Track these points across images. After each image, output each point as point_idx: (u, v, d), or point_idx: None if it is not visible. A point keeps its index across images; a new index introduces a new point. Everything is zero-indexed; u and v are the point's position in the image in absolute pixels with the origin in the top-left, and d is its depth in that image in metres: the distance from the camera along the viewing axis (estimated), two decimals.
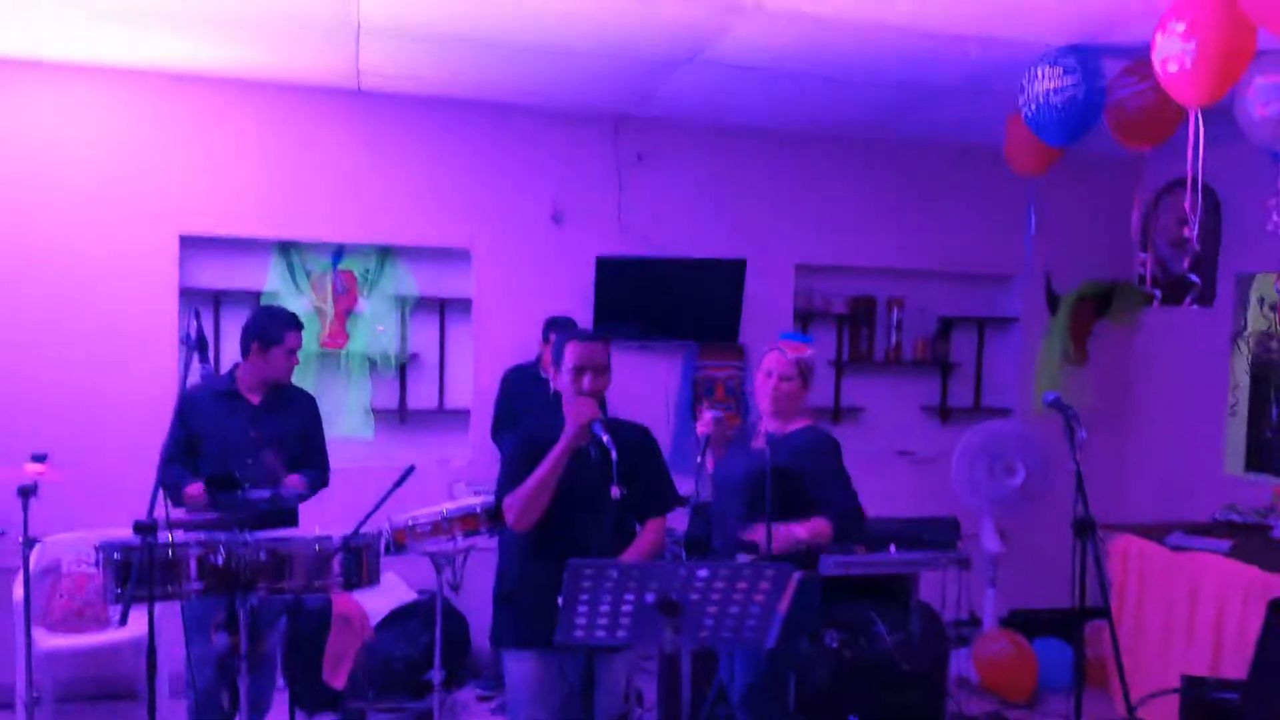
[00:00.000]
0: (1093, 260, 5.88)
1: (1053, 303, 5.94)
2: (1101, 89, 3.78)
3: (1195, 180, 3.29)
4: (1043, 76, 3.79)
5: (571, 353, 2.84)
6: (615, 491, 2.64)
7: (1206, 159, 3.26)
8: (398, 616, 4.49)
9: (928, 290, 5.84)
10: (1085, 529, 3.04)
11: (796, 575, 2.42)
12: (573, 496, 2.78)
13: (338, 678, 4.32)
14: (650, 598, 2.37)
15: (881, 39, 3.85)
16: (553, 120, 5.07)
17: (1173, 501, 5.52)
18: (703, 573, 2.36)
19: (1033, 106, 3.86)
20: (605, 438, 2.69)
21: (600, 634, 2.45)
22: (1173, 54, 3.18)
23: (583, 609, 2.40)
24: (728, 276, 5.19)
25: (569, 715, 2.87)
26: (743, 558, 2.87)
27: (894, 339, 5.74)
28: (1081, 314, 5.98)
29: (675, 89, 4.64)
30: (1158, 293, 5.59)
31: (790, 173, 5.45)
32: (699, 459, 3.18)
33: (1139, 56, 3.72)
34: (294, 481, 3.46)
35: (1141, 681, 4.33)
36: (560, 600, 2.35)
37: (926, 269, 5.76)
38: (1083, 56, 3.73)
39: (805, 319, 5.57)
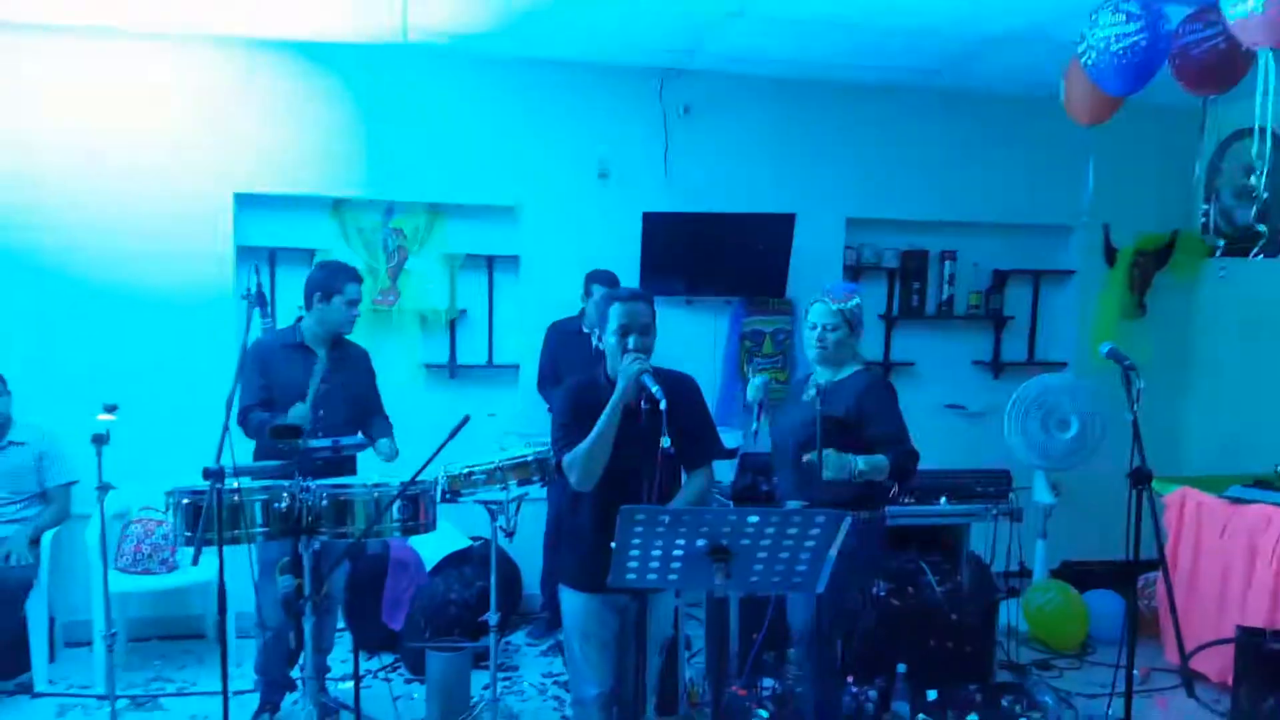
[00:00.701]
0: (1152, 211, 5.75)
1: (1110, 255, 5.83)
2: (1166, 35, 3.66)
3: (1264, 128, 3.20)
4: (1104, 23, 3.69)
5: (616, 313, 2.86)
6: (665, 443, 2.67)
7: (1275, 105, 3.17)
8: (452, 562, 4.61)
9: (981, 243, 5.75)
10: (1141, 479, 3.02)
11: (848, 519, 2.45)
12: (624, 448, 2.82)
13: (396, 619, 4.48)
14: (701, 543, 2.42)
15: None
16: (600, 75, 5.05)
17: (1231, 455, 5.42)
18: (753, 518, 2.40)
19: (1093, 55, 3.75)
20: (655, 389, 2.71)
21: (651, 578, 2.50)
22: (1240, 1, 3.08)
23: (634, 554, 2.45)
24: (776, 231, 5.15)
25: (620, 646, 2.95)
26: (792, 505, 2.89)
27: (946, 292, 5.67)
28: (1140, 266, 5.87)
29: (723, 41, 4.59)
30: (1221, 243, 5.45)
31: (840, 124, 5.38)
32: (754, 425, 3.23)
33: (1204, 3, 3.61)
34: (384, 447, 3.64)
35: (1196, 634, 4.31)
36: (613, 545, 2.41)
37: (980, 221, 5.66)
38: (1146, 2, 3.62)
39: (855, 272, 5.53)
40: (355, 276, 3.74)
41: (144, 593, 4.44)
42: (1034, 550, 5.14)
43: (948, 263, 5.67)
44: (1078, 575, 5.21)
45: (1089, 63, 3.80)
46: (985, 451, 5.19)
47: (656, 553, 2.45)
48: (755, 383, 3.31)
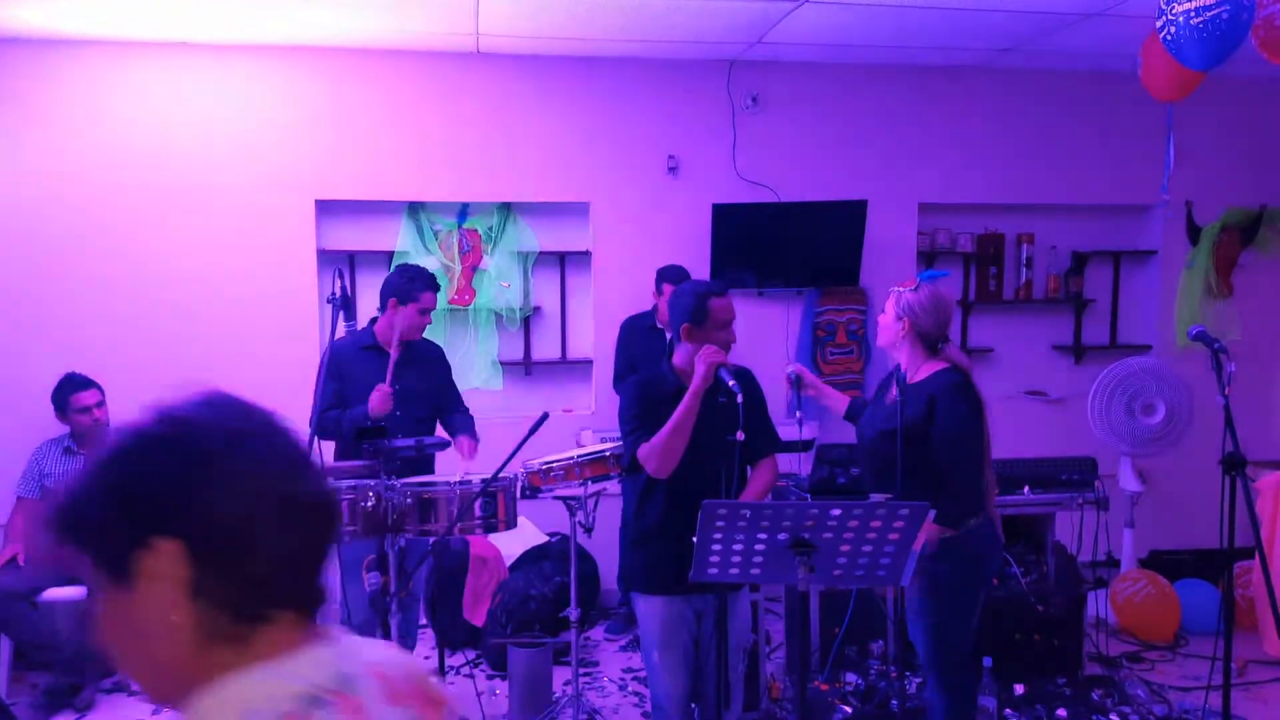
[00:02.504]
0: (1235, 188, 5.57)
1: (1194, 233, 5.64)
2: (1249, 6, 3.53)
3: None
4: None
5: (715, 308, 2.86)
6: (740, 436, 2.67)
7: None
8: (531, 557, 4.67)
9: (1059, 225, 5.62)
10: (1235, 465, 2.90)
11: (932, 511, 2.42)
12: (698, 441, 2.82)
13: (477, 615, 4.54)
14: (783, 537, 2.42)
15: None
16: (666, 70, 5.07)
17: None
18: (836, 511, 2.38)
19: (1172, 29, 3.63)
20: (732, 383, 2.72)
21: (734, 572, 2.51)
22: None
23: (716, 548, 2.46)
24: (848, 218, 5.10)
25: (699, 654, 2.94)
26: (876, 497, 2.85)
27: (1024, 276, 5.55)
28: (1225, 244, 5.68)
29: (788, 30, 4.55)
30: None
31: (911, 108, 5.31)
32: (797, 413, 3.16)
33: None
34: (464, 445, 3.68)
35: None
36: (694, 540, 2.41)
37: (1057, 203, 5.54)
38: None
39: (930, 258, 5.44)
40: (432, 285, 3.76)
41: None
42: (1121, 539, 5.01)
43: (1025, 246, 5.54)
44: (1167, 565, 5.07)
45: (1169, 37, 3.67)
46: (1068, 439, 5.08)
47: (738, 547, 2.45)
48: (786, 374, 3.18)
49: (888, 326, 3.06)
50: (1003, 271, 5.56)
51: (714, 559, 2.47)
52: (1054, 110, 5.43)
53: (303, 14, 4.29)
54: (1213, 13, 3.51)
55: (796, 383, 3.14)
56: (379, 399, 3.47)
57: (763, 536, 2.42)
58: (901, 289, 3.03)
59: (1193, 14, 3.54)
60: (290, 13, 4.26)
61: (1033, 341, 5.65)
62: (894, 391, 2.95)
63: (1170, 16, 3.61)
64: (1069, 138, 5.45)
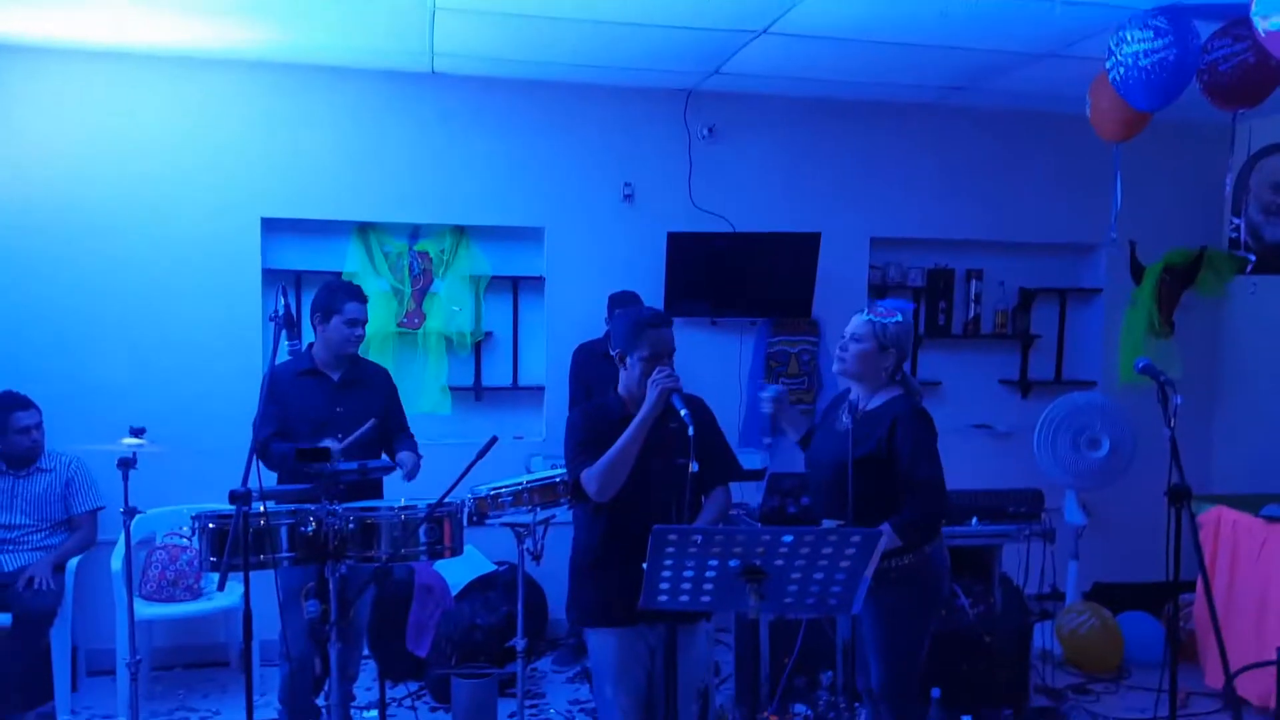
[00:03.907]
0: (1177, 228, 5.70)
1: (1137, 272, 5.76)
2: (1195, 50, 3.64)
3: None
4: (1132, 39, 3.66)
5: (649, 340, 2.82)
6: (693, 465, 2.62)
7: None
8: (477, 586, 4.57)
9: (1007, 262, 5.72)
10: (1180, 496, 2.93)
11: (884, 538, 2.40)
12: (648, 469, 2.78)
13: (421, 646, 4.42)
14: (734, 563, 2.38)
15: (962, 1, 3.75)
16: (623, 97, 5.08)
17: (1263, 474, 5.34)
18: (788, 538, 2.35)
19: (1121, 70, 3.73)
20: (683, 411, 2.68)
21: (684, 599, 2.46)
22: (1275, 12, 3.05)
23: (666, 574, 2.41)
24: (801, 250, 5.13)
25: (653, 692, 2.88)
26: (828, 523, 2.84)
27: (973, 311, 5.63)
28: (1167, 284, 5.80)
29: (746, 61, 4.59)
30: (1253, 257, 5.38)
31: (864, 144, 5.38)
32: (767, 440, 3.15)
33: (1232, 16, 3.58)
34: (406, 461, 3.57)
35: (1234, 656, 4.16)
36: (644, 566, 2.37)
37: (1006, 240, 5.63)
38: (1174, 17, 3.60)
39: (881, 292, 5.49)
40: (356, 295, 3.67)
41: (168, 620, 4.42)
42: (1066, 572, 5.06)
43: (974, 281, 5.63)
44: (1110, 597, 5.12)
45: (1117, 78, 3.77)
46: (1014, 472, 5.10)
47: (689, 574, 2.41)
48: (766, 394, 3.17)
49: (868, 356, 3.00)
50: (952, 306, 5.64)
51: (664, 585, 2.42)
52: (1004, 149, 5.54)
53: (255, 26, 4.22)
54: (1160, 55, 3.61)
55: (778, 404, 3.10)
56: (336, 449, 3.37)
57: (713, 563, 2.38)
58: (879, 319, 3.01)
59: (1141, 56, 3.64)
60: (241, 24, 4.19)
61: (980, 376, 5.72)
62: (845, 419, 2.94)
63: (1119, 58, 3.71)
64: (1018, 176, 5.56)
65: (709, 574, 2.40)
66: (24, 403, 4.22)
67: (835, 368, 3.11)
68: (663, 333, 2.84)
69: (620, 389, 2.90)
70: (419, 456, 3.70)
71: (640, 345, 2.82)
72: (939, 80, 4.94)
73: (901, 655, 2.95)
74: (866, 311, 3.06)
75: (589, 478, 2.80)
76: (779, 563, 2.38)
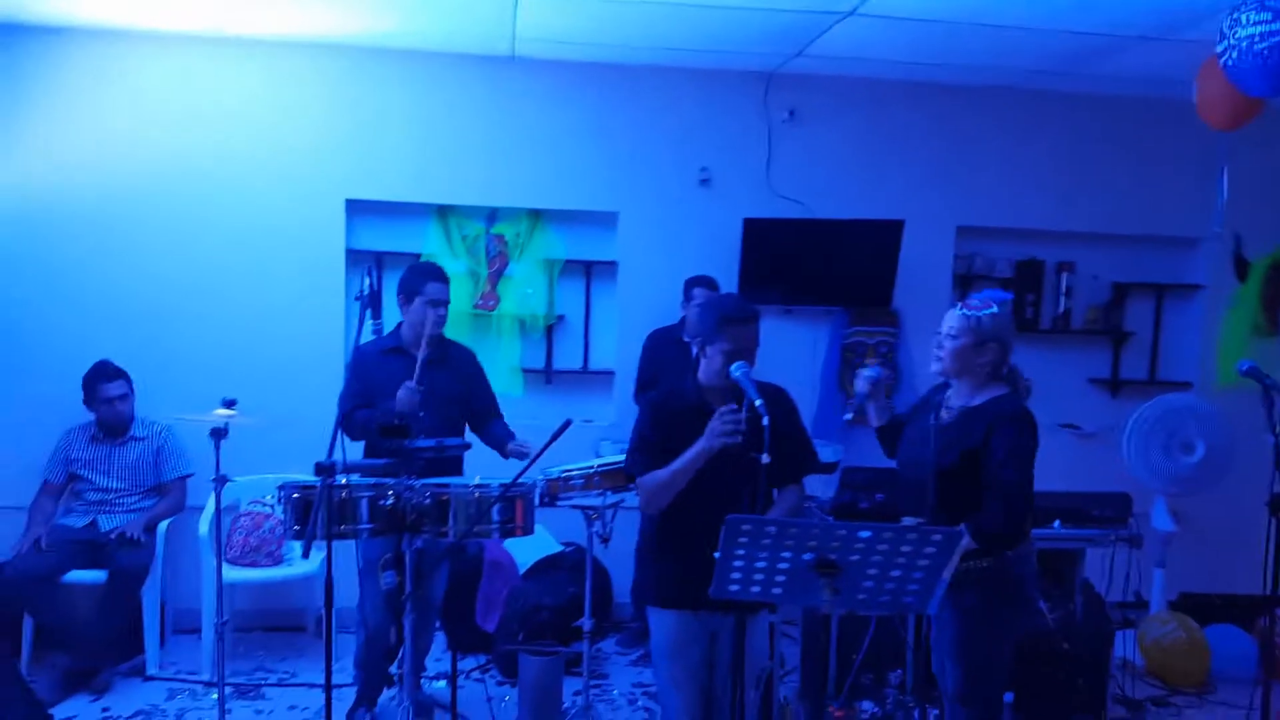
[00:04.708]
0: None
1: (1241, 269, 5.51)
2: None
3: None
4: (1247, 21, 3.47)
5: (730, 335, 2.76)
6: (764, 458, 2.55)
7: None
8: (544, 566, 4.61)
9: (1101, 254, 5.49)
10: None
11: (965, 537, 2.33)
12: (721, 461, 2.74)
13: (489, 621, 4.49)
14: (808, 556, 2.34)
15: None
16: (702, 80, 5.02)
17: None
18: (865, 533, 2.30)
19: (1234, 54, 3.53)
20: (758, 401, 2.60)
21: (755, 590, 2.43)
22: None
23: (738, 564, 2.39)
24: (883, 238, 5.01)
25: (709, 673, 2.86)
26: (909, 520, 2.76)
27: (1063, 305, 5.44)
28: (1275, 281, 5.54)
29: (831, 43, 4.49)
30: None
31: (953, 128, 5.22)
32: (847, 416, 3.06)
33: None
34: (522, 445, 3.62)
35: None
36: (716, 555, 2.34)
37: (1100, 231, 5.42)
38: None
39: (966, 283, 5.34)
40: (439, 275, 3.70)
41: (250, 584, 4.57)
42: (1150, 580, 4.88)
43: (1065, 274, 5.44)
44: (1197, 608, 4.92)
45: (1229, 63, 3.58)
46: (1099, 474, 4.92)
47: (761, 565, 2.38)
48: (867, 373, 3.05)
49: (964, 352, 2.87)
50: (1040, 300, 5.45)
51: (735, 576, 2.40)
52: (1101, 135, 5.32)
53: (340, 14, 4.28)
54: (1277, 38, 3.41)
55: (875, 387, 3.02)
56: (405, 395, 3.44)
57: (787, 555, 2.34)
58: (973, 312, 2.87)
59: (1256, 39, 3.44)
60: (328, 9, 4.25)
61: (1069, 373, 5.53)
62: (939, 415, 2.85)
63: (1232, 42, 3.52)
64: (1115, 165, 5.34)
65: (781, 566, 2.37)
66: (110, 374, 4.38)
67: (934, 367, 2.98)
68: (746, 329, 2.77)
69: (700, 375, 2.86)
70: (526, 446, 3.67)
71: (721, 338, 2.77)
72: (1032, 64, 4.76)
73: (978, 660, 2.87)
74: (960, 306, 2.94)
75: (640, 486, 2.83)
76: (854, 558, 2.33)
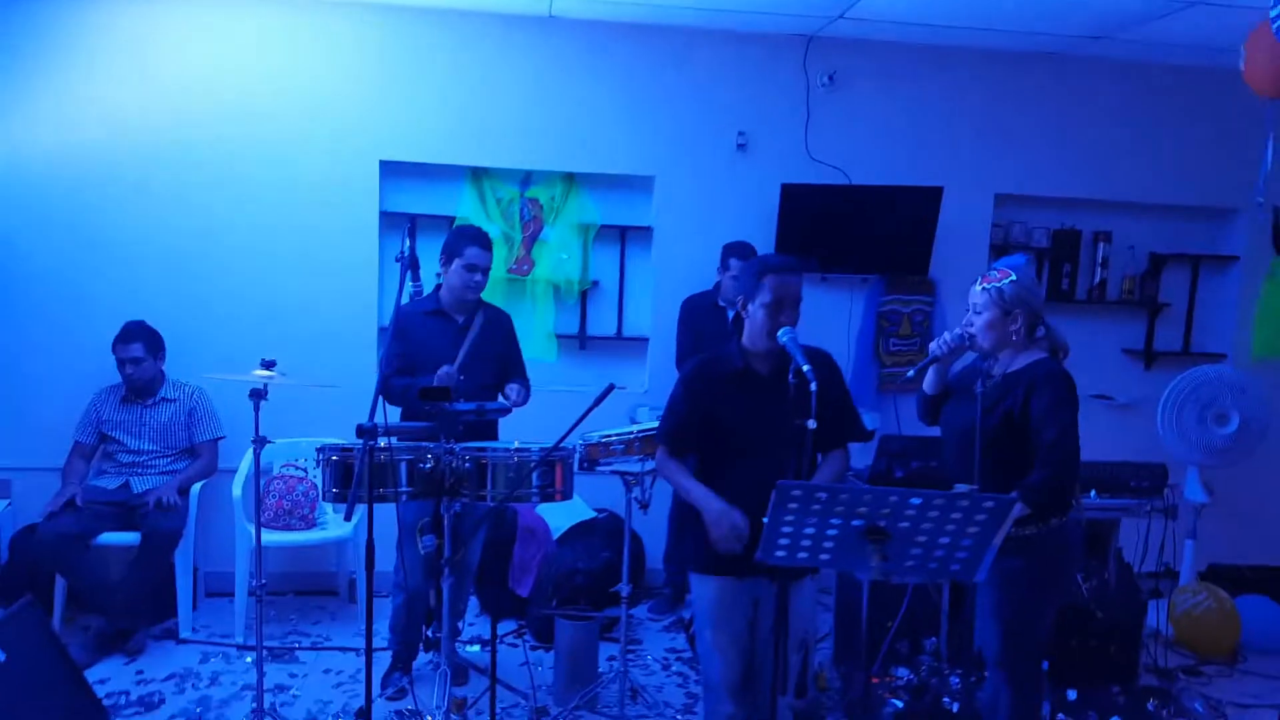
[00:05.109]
0: None
1: (1279, 240, 5.43)
2: None
3: None
4: None
5: (770, 285, 2.72)
6: (811, 424, 2.52)
7: None
8: (578, 532, 4.63)
9: (1137, 224, 5.43)
10: None
11: (1018, 505, 2.32)
12: (766, 426, 2.73)
13: (523, 585, 4.51)
14: (858, 523, 2.34)
15: None
16: (741, 42, 4.95)
17: None
18: (916, 500, 2.29)
19: None
20: (806, 367, 2.56)
21: (802, 556, 2.42)
22: None
23: (787, 530, 2.38)
24: (921, 205, 4.96)
25: (754, 641, 2.87)
26: (961, 488, 2.75)
27: (1098, 276, 5.38)
28: None
29: (874, 6, 4.42)
30: None
31: (992, 95, 5.15)
32: (910, 374, 3.04)
33: None
34: (512, 391, 3.59)
35: None
36: (764, 521, 2.34)
37: (1137, 201, 5.35)
38: None
39: (1002, 251, 5.23)
40: (479, 240, 3.67)
41: (282, 547, 4.57)
42: (1182, 550, 4.86)
43: (1102, 245, 5.38)
44: (1226, 578, 4.91)
45: None
46: (1132, 445, 4.91)
47: (810, 530, 2.37)
48: (945, 336, 2.96)
49: (994, 325, 2.88)
50: (1077, 270, 5.40)
51: (783, 541, 2.39)
52: (1139, 104, 5.25)
53: None
54: None
55: (953, 351, 2.96)
56: (444, 378, 3.45)
57: (836, 521, 2.33)
58: (992, 284, 2.87)
59: None
60: None
61: (1104, 343, 5.48)
62: (981, 383, 2.83)
63: None
64: (1153, 133, 5.27)
65: (830, 532, 2.36)
66: (128, 335, 4.35)
67: (976, 346, 2.97)
68: (787, 278, 2.73)
69: (744, 339, 2.83)
70: (528, 393, 3.72)
71: (762, 290, 2.73)
72: (1076, 29, 4.67)
73: (1020, 625, 2.87)
74: (980, 281, 2.94)
75: (658, 459, 2.94)
76: (904, 525, 2.32)
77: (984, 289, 2.90)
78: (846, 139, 5.06)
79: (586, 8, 4.68)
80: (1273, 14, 3.49)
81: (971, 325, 2.93)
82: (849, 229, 4.96)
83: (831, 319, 5.14)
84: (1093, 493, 4.03)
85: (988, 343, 2.92)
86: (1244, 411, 4.67)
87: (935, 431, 3.18)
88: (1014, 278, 2.87)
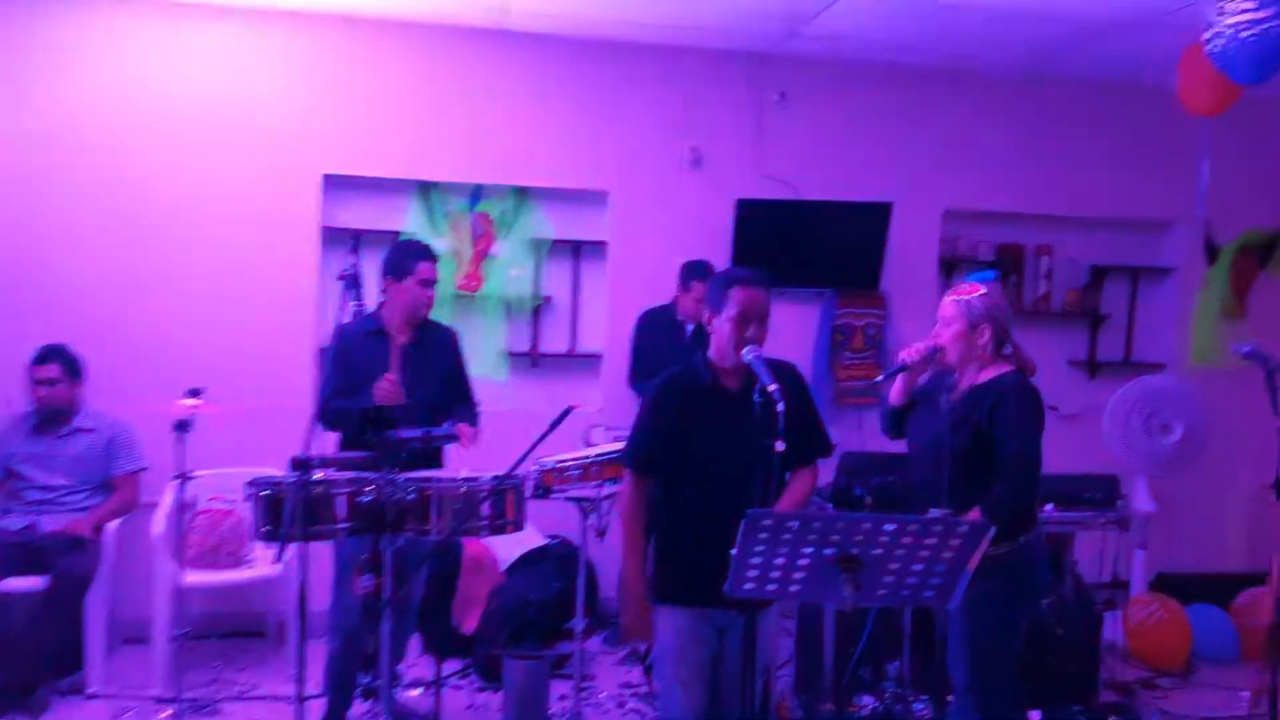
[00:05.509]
0: (1256, 208, 5.47)
1: (1212, 253, 5.54)
2: None
3: None
4: (1233, 10, 3.46)
5: (737, 298, 2.64)
6: (779, 446, 2.41)
7: None
8: (528, 561, 4.46)
9: (1078, 238, 5.51)
10: None
11: (993, 529, 2.24)
12: (736, 445, 2.60)
13: (468, 621, 4.31)
14: (830, 551, 2.23)
15: None
16: (693, 59, 4.93)
17: None
18: (889, 526, 2.20)
19: (1220, 41, 3.52)
20: (772, 386, 2.46)
21: (771, 588, 2.31)
22: None
23: (756, 561, 2.26)
24: (871, 221, 4.98)
25: (716, 672, 2.75)
26: (935, 512, 2.67)
27: (1042, 288, 5.44)
28: (1243, 265, 5.59)
29: (828, 23, 4.43)
30: None
31: (939, 113, 5.20)
32: (879, 379, 2.97)
33: None
34: (464, 429, 3.39)
35: None
36: (733, 552, 2.22)
37: (1078, 215, 5.43)
38: None
39: (950, 266, 5.32)
40: (428, 254, 3.55)
41: (208, 588, 4.26)
42: (1132, 561, 4.88)
43: (1044, 258, 5.44)
44: (1174, 588, 4.94)
45: (1217, 49, 3.56)
46: (1079, 456, 4.90)
47: (780, 561, 2.26)
48: (916, 345, 2.93)
49: (960, 338, 2.86)
50: (1022, 283, 5.45)
51: (752, 573, 2.27)
52: (1078, 121, 5.33)
53: None
54: (1264, 26, 3.40)
55: (924, 363, 2.92)
56: (384, 389, 3.25)
57: (808, 550, 2.22)
58: (963, 297, 2.86)
59: (1242, 26, 3.43)
60: None
61: (1049, 355, 5.46)
62: (946, 397, 2.77)
63: (1219, 29, 3.49)
64: (1091, 150, 5.35)
65: (801, 562, 2.25)
66: (43, 355, 4.07)
67: (945, 359, 2.94)
68: (753, 291, 2.65)
69: (711, 353, 2.72)
70: (476, 428, 3.52)
71: (728, 302, 2.64)
72: (1023, 49, 4.75)
73: (992, 648, 2.82)
74: (950, 293, 2.94)
75: (622, 483, 2.79)
76: (877, 552, 2.23)
77: (954, 301, 2.89)
78: (798, 155, 5.06)
79: (538, 21, 4.60)
80: (1206, 36, 3.55)
81: (940, 337, 2.91)
82: (802, 244, 4.94)
83: (787, 333, 5.03)
84: (1049, 506, 4.00)
85: (955, 355, 2.90)
86: (1187, 421, 4.72)
87: (896, 447, 3.12)
88: (983, 292, 2.88)
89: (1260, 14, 3.37)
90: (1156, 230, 5.59)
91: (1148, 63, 4.71)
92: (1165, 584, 5.03)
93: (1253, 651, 4.43)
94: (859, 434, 4.99)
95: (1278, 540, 4.23)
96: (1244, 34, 3.42)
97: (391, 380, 3.28)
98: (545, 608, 4.19)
